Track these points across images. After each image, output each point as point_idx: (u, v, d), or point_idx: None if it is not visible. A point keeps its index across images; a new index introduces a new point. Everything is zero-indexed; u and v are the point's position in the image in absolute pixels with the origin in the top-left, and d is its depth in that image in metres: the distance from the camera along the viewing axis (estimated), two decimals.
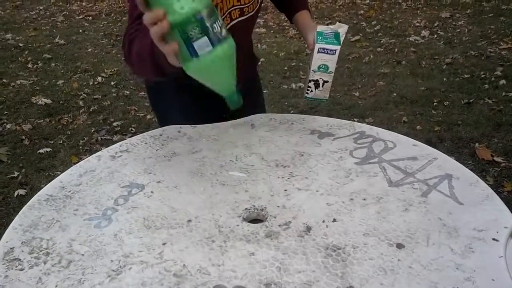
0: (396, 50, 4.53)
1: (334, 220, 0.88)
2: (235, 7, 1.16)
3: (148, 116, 3.32)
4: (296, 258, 0.79)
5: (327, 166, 1.06)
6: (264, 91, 1.73)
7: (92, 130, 3.17)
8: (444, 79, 3.77)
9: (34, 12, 6.63)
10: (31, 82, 4.06)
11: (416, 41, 4.74)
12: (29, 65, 4.48)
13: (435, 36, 4.88)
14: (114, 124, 3.25)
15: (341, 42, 1.16)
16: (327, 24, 1.22)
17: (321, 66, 1.18)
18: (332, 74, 1.19)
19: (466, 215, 0.88)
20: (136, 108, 3.49)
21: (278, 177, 1.02)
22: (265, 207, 0.93)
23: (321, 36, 1.16)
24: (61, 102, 3.64)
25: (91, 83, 4.02)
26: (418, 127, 3.03)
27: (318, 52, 1.16)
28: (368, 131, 1.21)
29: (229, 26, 1.14)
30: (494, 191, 0.96)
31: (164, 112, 1.40)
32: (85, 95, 3.75)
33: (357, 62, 4.27)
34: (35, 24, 6.01)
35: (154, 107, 1.46)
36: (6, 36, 5.40)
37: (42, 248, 0.83)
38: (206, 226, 0.88)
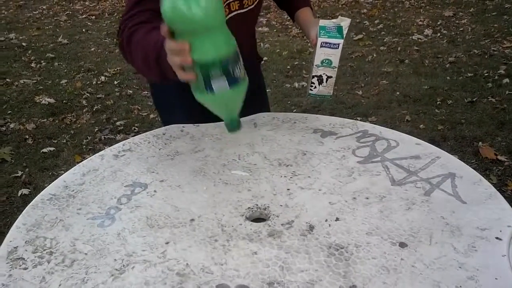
0: (399, 49, 4.51)
1: (337, 219, 0.88)
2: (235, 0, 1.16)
3: (151, 115, 3.32)
4: (299, 257, 0.79)
5: (330, 165, 1.06)
6: (267, 90, 1.73)
7: (96, 130, 3.17)
8: (448, 77, 3.76)
9: (37, 12, 6.64)
10: (35, 81, 4.07)
11: (419, 40, 4.73)
12: (33, 65, 4.48)
13: (438, 34, 4.86)
14: (118, 123, 3.25)
15: (344, 36, 1.13)
16: None
17: (324, 60, 1.16)
18: (336, 69, 1.17)
19: (469, 214, 0.88)
20: (139, 107, 3.49)
21: (281, 176, 1.02)
22: (268, 206, 0.93)
23: (323, 30, 1.13)
24: (64, 101, 3.64)
25: (94, 82, 4.02)
26: (421, 126, 3.02)
27: (321, 46, 1.14)
28: (371, 130, 1.21)
29: (227, 17, 1.14)
30: (498, 190, 0.96)
31: (167, 111, 1.40)
32: (88, 95, 3.75)
33: (360, 61, 4.26)
34: (38, 24, 6.02)
35: (157, 106, 1.46)
36: (9, 36, 5.41)
37: (46, 247, 0.84)
38: (209, 225, 0.88)
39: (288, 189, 0.98)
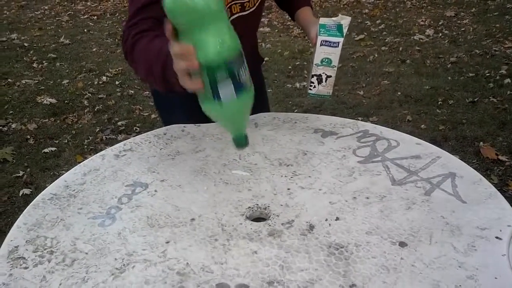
0: (400, 49, 4.51)
1: (337, 219, 0.88)
2: (236, 2, 1.15)
3: (153, 116, 3.32)
4: (299, 257, 0.79)
5: (330, 165, 1.06)
6: (268, 90, 1.74)
7: (97, 130, 3.18)
8: (449, 78, 3.76)
9: (39, 12, 6.65)
10: (36, 81, 4.07)
11: (421, 40, 4.73)
12: (34, 65, 4.50)
13: (440, 35, 4.86)
14: (119, 123, 3.26)
15: (344, 34, 1.11)
16: None
17: (324, 59, 1.14)
18: (336, 69, 1.15)
19: (469, 214, 0.88)
20: (141, 108, 3.50)
21: (281, 176, 1.03)
22: (268, 206, 0.93)
23: (323, 29, 1.12)
24: (66, 101, 3.65)
25: (95, 82, 4.03)
26: (422, 126, 3.02)
27: (321, 45, 1.12)
28: (372, 130, 1.21)
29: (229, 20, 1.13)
30: (499, 190, 0.96)
31: (168, 111, 1.40)
32: (90, 95, 3.76)
33: (361, 61, 4.26)
34: (40, 24, 6.03)
35: (158, 106, 1.46)
36: (11, 36, 5.42)
37: (46, 246, 0.84)
38: (209, 224, 0.88)
39: (288, 189, 0.98)
